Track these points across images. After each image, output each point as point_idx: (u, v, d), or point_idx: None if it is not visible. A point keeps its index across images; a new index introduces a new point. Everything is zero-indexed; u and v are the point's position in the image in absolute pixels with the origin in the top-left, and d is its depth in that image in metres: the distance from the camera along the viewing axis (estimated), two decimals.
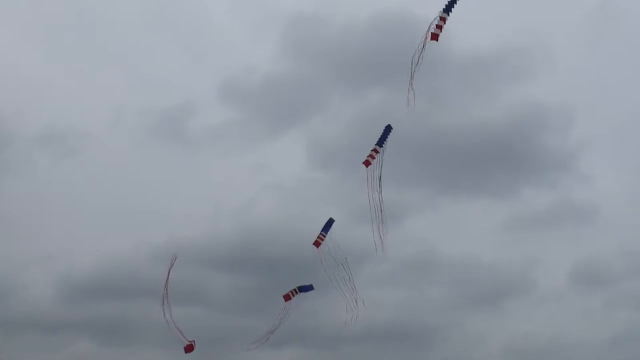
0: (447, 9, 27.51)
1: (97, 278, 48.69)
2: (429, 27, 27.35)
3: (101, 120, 55.79)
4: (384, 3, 53.83)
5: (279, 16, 57.41)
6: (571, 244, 50.12)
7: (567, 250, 49.79)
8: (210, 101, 56.26)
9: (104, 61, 57.88)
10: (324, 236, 30.58)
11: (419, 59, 27.67)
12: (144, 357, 48.15)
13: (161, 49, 58.90)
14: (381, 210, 29.92)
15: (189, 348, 31.84)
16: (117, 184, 53.53)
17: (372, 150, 29.54)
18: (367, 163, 29.47)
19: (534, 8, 56.14)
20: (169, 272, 32.32)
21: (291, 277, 31.86)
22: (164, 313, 31.95)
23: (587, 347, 46.39)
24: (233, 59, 59.12)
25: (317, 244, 30.42)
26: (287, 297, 31.23)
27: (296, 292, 31.21)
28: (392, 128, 29.62)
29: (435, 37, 27.30)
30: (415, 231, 47.59)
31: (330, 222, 30.77)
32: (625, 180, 51.10)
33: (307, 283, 31.33)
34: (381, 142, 29.56)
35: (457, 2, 27.69)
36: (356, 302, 30.74)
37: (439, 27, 27.43)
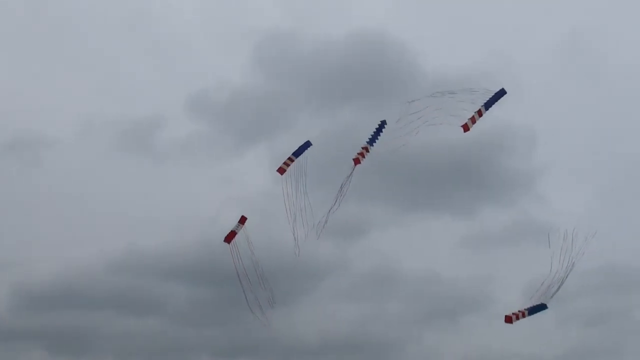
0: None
1: (54, 287, 48.27)
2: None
3: (68, 129, 55.47)
4: (358, 22, 55.03)
5: (252, 32, 57.61)
6: (527, 263, 51.41)
7: (522, 268, 51.12)
8: (178, 114, 56.19)
9: (73, 70, 57.76)
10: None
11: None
12: None
13: (131, 60, 58.79)
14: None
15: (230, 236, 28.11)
16: (81, 193, 53.15)
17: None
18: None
19: (503, 34, 58.02)
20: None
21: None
22: None
23: None
24: (203, 72, 59.29)
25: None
26: (281, 170, 28.17)
27: (292, 160, 28.01)
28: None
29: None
30: (377, 246, 48.38)
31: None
32: (582, 203, 52.74)
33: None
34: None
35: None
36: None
37: None
